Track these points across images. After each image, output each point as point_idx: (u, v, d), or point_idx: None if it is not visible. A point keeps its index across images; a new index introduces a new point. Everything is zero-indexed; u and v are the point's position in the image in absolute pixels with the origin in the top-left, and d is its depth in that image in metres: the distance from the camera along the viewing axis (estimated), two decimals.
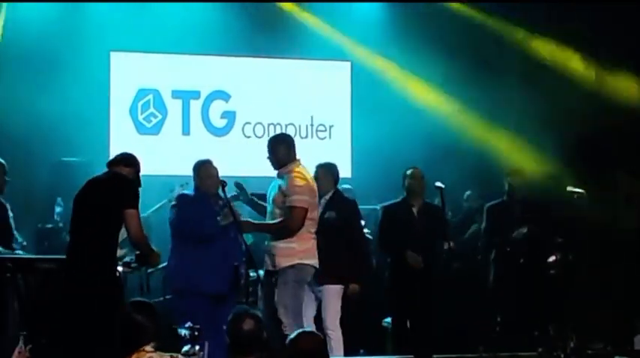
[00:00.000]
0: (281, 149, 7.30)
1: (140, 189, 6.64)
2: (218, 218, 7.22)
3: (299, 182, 7.16)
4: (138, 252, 6.72)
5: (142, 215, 8.37)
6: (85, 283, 6.30)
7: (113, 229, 6.53)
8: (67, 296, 6.37)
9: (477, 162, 10.52)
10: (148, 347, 4.75)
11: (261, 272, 7.36)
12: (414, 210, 8.21)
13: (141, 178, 6.80)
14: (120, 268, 6.78)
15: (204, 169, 7.51)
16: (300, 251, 7.19)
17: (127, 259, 7.07)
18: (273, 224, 7.21)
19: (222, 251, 7.28)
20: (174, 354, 5.13)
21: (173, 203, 7.56)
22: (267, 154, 7.35)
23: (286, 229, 7.15)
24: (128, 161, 6.79)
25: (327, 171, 7.77)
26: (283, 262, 7.17)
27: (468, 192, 9.99)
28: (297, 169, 7.23)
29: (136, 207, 6.58)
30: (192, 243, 7.30)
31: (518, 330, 8.50)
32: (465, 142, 10.65)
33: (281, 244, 7.18)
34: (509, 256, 8.64)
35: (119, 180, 6.62)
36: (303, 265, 7.20)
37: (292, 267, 7.16)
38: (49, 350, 6.20)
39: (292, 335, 4.83)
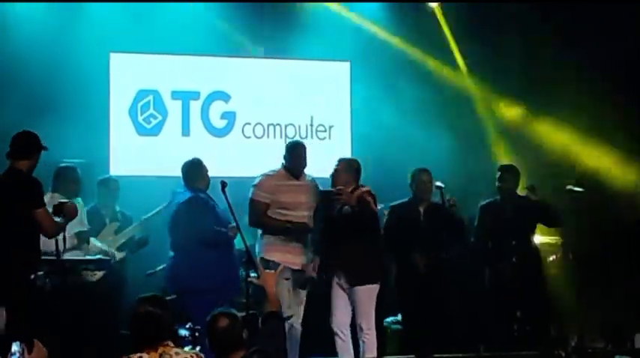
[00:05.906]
0: None
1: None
2: (227, 230, 7.50)
3: None
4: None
5: (143, 217, 8.41)
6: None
7: (27, 231, 6.31)
8: None
9: (480, 162, 10.51)
10: (171, 343, 4.73)
11: None
12: (421, 210, 8.27)
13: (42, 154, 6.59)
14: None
15: (201, 168, 7.58)
16: None
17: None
18: None
19: (228, 252, 7.59)
20: (194, 351, 5.16)
21: (182, 201, 7.65)
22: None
23: None
24: (22, 152, 6.50)
25: (347, 166, 7.87)
26: None
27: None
28: None
29: (40, 205, 6.36)
30: (199, 243, 7.45)
31: (518, 330, 8.51)
32: (466, 142, 10.66)
33: None
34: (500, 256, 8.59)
35: (17, 182, 6.38)
36: None
37: None
38: None
39: (209, 316, 5.00)
